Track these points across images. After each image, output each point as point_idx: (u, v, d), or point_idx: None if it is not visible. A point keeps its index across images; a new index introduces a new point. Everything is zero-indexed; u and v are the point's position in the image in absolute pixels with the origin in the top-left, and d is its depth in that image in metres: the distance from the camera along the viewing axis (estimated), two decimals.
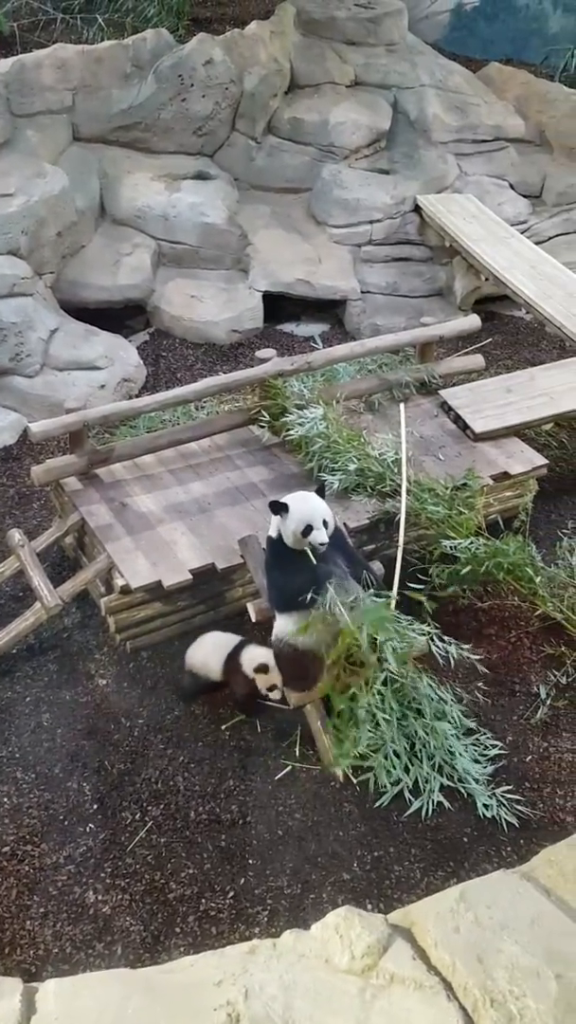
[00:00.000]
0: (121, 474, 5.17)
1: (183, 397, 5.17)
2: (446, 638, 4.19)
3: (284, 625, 4.11)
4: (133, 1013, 1.93)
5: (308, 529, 3.88)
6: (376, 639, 3.94)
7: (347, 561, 4.13)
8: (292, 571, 3.98)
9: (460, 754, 4.04)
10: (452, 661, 4.18)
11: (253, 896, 3.70)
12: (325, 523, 3.93)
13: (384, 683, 4.00)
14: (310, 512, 3.89)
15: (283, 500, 3.98)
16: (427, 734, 4.02)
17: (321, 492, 4.09)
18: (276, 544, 4.03)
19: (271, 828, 3.94)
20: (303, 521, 3.89)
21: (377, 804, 3.95)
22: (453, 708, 4.16)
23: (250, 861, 3.82)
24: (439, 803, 3.96)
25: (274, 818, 3.97)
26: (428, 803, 3.93)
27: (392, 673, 3.97)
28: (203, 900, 3.69)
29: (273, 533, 4.03)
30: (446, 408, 5.71)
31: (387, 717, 3.94)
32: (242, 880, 3.75)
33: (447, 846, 3.87)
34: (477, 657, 4.41)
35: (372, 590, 4.11)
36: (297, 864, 3.81)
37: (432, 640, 4.15)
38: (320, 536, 3.88)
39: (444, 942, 2.02)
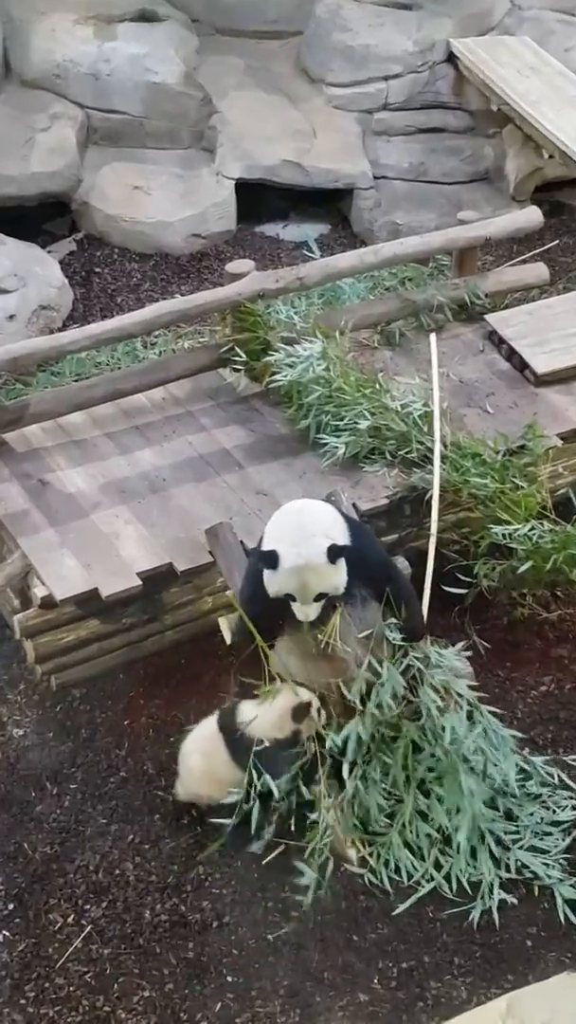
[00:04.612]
0: (40, 440, 5.13)
1: (125, 330, 5.13)
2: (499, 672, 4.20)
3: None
4: None
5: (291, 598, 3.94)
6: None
7: (365, 573, 4.09)
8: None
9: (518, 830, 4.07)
10: (509, 694, 4.18)
11: None
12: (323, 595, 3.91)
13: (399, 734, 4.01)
14: (300, 577, 3.85)
15: (270, 546, 3.90)
16: (470, 800, 4.02)
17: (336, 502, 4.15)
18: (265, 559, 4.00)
19: (257, 932, 3.93)
20: (286, 589, 3.90)
21: (401, 909, 3.95)
22: (508, 766, 4.16)
23: (229, 979, 3.82)
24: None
25: (261, 918, 3.97)
26: (480, 906, 3.94)
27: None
28: None
29: (267, 547, 4.00)
30: (496, 340, 5.69)
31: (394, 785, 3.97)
32: (218, 1005, 3.75)
33: (503, 953, 3.88)
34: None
35: (395, 620, 4.12)
36: (294, 982, 3.80)
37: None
38: (303, 613, 3.91)
39: None
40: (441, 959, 3.87)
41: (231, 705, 4.22)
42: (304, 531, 3.91)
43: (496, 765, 4.13)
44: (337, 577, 3.93)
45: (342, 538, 3.94)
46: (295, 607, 3.94)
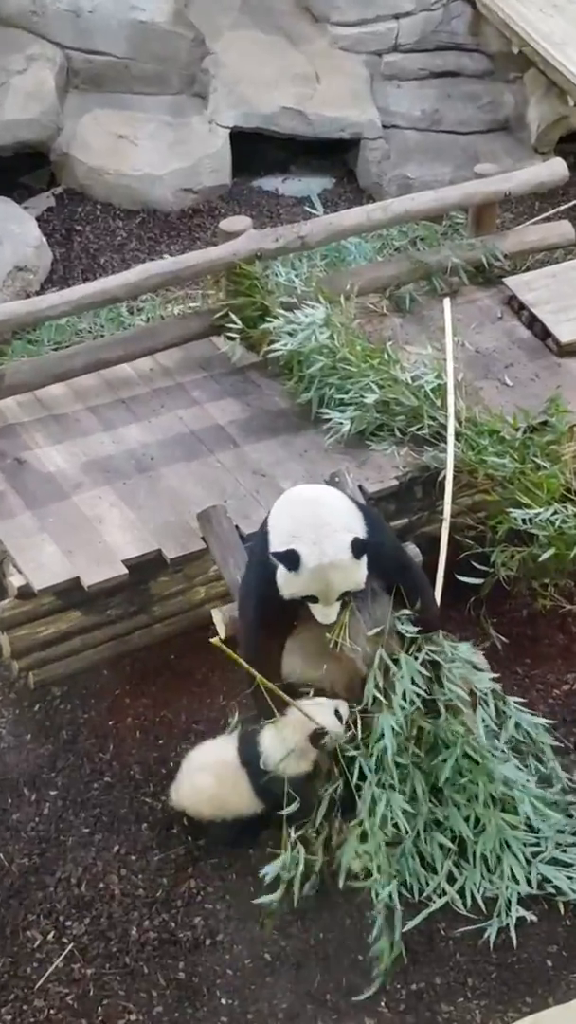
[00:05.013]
0: (16, 415, 5.13)
1: (109, 294, 5.13)
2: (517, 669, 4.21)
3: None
4: None
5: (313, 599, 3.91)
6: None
7: (380, 565, 4.09)
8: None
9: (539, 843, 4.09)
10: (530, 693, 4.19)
11: None
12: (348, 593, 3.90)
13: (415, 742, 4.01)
14: (324, 577, 3.82)
15: (284, 543, 3.83)
16: (487, 814, 4.04)
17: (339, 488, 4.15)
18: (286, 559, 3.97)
19: (254, 950, 3.95)
20: (307, 591, 3.87)
21: (410, 925, 3.95)
22: (528, 777, 4.18)
23: (223, 1001, 3.83)
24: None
25: (258, 935, 3.98)
26: (496, 923, 3.94)
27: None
28: None
29: (276, 547, 3.96)
30: (515, 306, 5.69)
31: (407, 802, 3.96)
32: None
33: (521, 973, 3.89)
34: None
35: (408, 611, 4.11)
36: (294, 1004, 3.82)
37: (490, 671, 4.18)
38: (325, 615, 3.88)
39: None
40: (454, 980, 3.88)
41: (250, 735, 4.13)
42: (324, 525, 3.83)
43: (542, 753, 4.20)
44: (360, 573, 3.89)
45: (361, 529, 3.90)
46: (315, 609, 3.89)
